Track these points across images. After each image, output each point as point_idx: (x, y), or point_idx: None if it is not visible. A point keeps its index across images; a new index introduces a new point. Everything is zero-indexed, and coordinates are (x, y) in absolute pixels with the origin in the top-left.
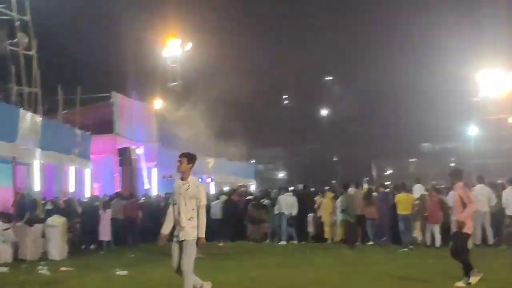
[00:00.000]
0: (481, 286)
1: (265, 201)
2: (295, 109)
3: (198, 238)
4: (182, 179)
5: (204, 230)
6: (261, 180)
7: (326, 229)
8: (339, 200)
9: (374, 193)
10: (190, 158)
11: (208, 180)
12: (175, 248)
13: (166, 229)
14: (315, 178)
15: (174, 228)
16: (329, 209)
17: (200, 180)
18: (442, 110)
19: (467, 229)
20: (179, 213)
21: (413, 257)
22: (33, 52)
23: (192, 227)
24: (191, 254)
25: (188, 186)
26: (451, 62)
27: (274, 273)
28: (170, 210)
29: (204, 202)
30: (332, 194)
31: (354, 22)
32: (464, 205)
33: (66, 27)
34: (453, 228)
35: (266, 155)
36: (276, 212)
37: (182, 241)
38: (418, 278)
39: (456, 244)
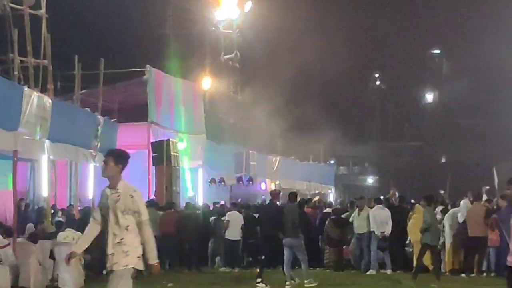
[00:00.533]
0: None
1: (349, 216)
2: (389, 92)
3: (151, 266)
4: (110, 187)
5: (156, 253)
6: (343, 187)
7: (447, 254)
8: (452, 214)
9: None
10: (119, 157)
11: (272, 185)
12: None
13: (79, 247)
14: (416, 186)
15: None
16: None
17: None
18: None
19: None
20: (107, 234)
21: None
22: (42, 12)
23: (124, 253)
24: None
25: (119, 195)
26: None
27: None
28: (91, 224)
29: (146, 216)
30: (441, 208)
31: None
32: None
33: None
34: None
35: (350, 154)
36: (362, 231)
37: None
38: None
39: None
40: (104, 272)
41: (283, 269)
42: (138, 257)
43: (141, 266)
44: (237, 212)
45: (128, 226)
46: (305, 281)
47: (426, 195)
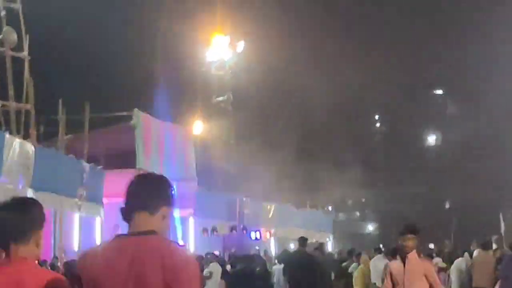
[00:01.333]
0: None
1: (349, 265)
2: (390, 134)
3: None
4: None
5: None
6: (342, 234)
7: None
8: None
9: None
10: None
11: (267, 235)
12: None
13: None
14: (420, 234)
15: None
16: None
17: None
18: None
19: None
20: None
21: None
22: (24, 54)
23: None
24: None
25: None
26: None
27: None
28: None
29: None
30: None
31: (474, 17)
32: None
33: (70, 19)
34: None
35: (349, 201)
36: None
37: None
38: None
39: None
40: None
41: None
42: None
43: None
44: (217, 264)
45: None
46: None
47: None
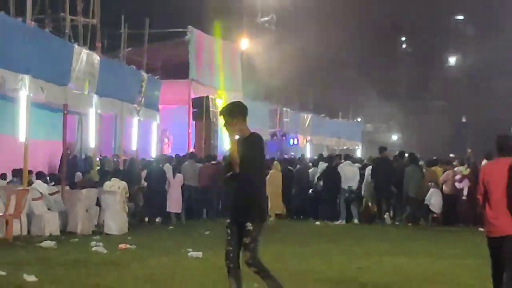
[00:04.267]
0: None
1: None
2: (415, 55)
3: None
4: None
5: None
6: (370, 143)
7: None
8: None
9: None
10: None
11: (304, 141)
12: None
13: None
14: (440, 144)
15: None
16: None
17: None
18: None
19: None
20: None
21: None
22: None
23: None
24: None
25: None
26: None
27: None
28: None
29: None
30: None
31: None
32: None
33: None
34: None
35: (377, 112)
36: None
37: None
38: None
39: None
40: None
41: None
42: None
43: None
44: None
45: None
46: None
47: (410, 153)
